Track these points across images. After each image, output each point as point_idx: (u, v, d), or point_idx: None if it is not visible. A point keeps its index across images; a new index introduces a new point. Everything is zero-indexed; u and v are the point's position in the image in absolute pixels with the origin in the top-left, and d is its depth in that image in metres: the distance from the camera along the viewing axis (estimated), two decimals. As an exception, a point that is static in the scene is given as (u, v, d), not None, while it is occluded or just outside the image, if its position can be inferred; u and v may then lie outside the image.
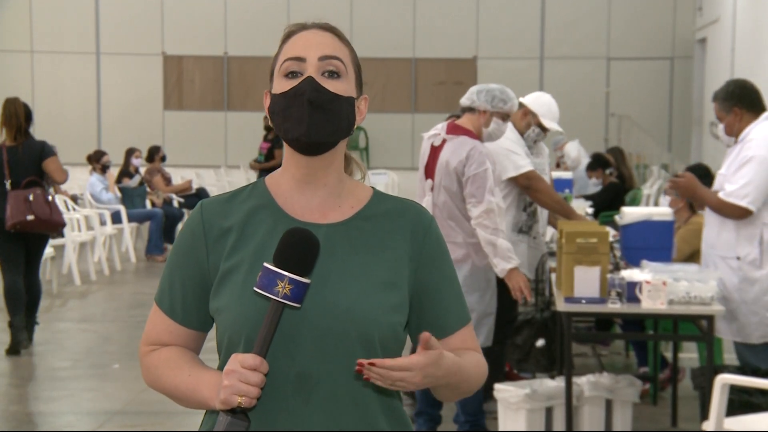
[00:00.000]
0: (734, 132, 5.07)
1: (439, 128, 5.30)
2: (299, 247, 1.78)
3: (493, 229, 5.05)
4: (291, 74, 1.89)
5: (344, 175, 1.97)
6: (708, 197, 5.01)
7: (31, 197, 7.28)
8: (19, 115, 7.55)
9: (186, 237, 1.95)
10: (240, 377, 1.74)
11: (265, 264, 1.77)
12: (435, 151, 5.23)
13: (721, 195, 4.90)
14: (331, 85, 1.88)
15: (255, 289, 1.77)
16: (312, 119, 1.85)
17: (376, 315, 1.85)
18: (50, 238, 8.03)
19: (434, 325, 1.94)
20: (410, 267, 1.92)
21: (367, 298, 1.85)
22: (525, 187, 5.61)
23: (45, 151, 7.53)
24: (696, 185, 5.06)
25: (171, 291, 1.95)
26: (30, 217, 7.26)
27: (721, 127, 5.15)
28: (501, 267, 5.11)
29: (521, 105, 5.85)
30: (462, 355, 1.92)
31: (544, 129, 5.88)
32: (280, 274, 1.75)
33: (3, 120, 7.50)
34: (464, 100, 5.28)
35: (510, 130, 5.66)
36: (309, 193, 1.93)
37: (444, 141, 5.19)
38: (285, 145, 1.92)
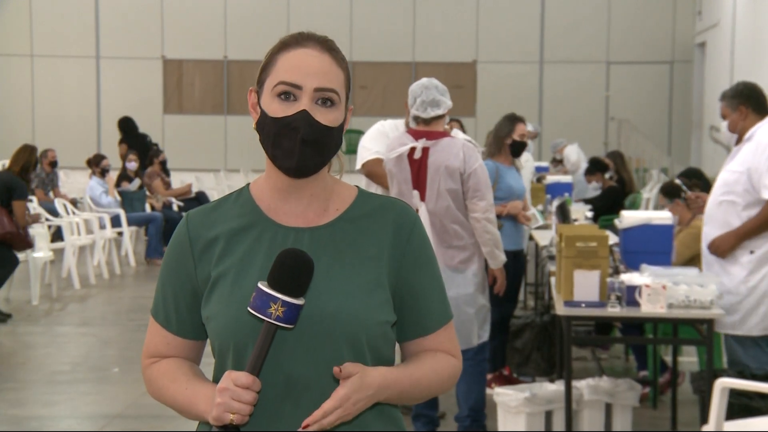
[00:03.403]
0: (737, 130, 5.12)
1: (406, 140, 5.18)
2: (293, 269, 1.78)
3: (494, 221, 5.19)
4: (284, 95, 1.87)
5: (328, 178, 1.98)
6: (749, 226, 4.96)
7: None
8: (29, 162, 9.18)
9: (174, 249, 1.98)
10: (232, 395, 1.76)
11: (259, 285, 1.78)
12: (418, 162, 5.15)
13: (766, 195, 4.89)
14: (324, 116, 1.87)
15: (249, 309, 1.78)
16: (303, 154, 1.86)
17: (363, 317, 1.86)
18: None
19: (414, 323, 1.96)
20: (394, 265, 1.92)
21: (353, 301, 1.86)
22: (366, 175, 5.84)
23: (17, 191, 8.64)
24: (729, 236, 4.99)
25: (164, 303, 1.98)
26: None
27: (724, 124, 5.19)
28: (501, 258, 5.26)
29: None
30: (420, 359, 1.95)
31: None
32: (274, 296, 1.76)
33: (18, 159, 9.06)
34: (432, 111, 5.13)
35: (380, 125, 5.92)
36: (293, 201, 1.94)
37: (425, 149, 5.14)
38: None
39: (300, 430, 1.78)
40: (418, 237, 1.97)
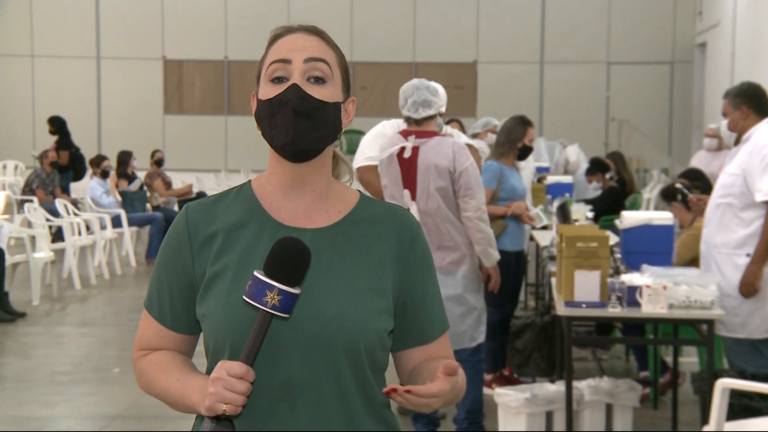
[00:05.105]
0: (737, 128, 5.14)
1: (397, 140, 5.19)
2: (290, 257, 1.76)
3: (487, 220, 5.17)
4: (277, 79, 1.87)
5: (332, 178, 1.96)
6: (759, 249, 4.93)
7: None
8: None
9: (171, 242, 1.95)
10: (225, 385, 1.73)
11: (255, 273, 1.75)
12: (408, 162, 5.15)
13: (759, 199, 4.90)
14: (317, 92, 1.86)
15: (244, 297, 1.75)
16: (297, 128, 1.84)
17: (363, 323, 1.84)
18: None
19: (417, 331, 1.95)
20: (396, 273, 1.91)
21: (354, 306, 1.84)
22: (358, 180, 5.75)
23: None
24: (749, 270, 4.95)
25: (159, 296, 1.96)
26: None
27: (724, 123, 5.21)
28: (495, 257, 5.25)
29: None
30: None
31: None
32: (270, 284, 1.74)
33: None
34: (424, 111, 5.13)
35: (382, 125, 5.88)
36: (296, 198, 1.91)
37: (415, 148, 5.14)
38: (271, 149, 1.90)
39: (387, 388, 1.74)
40: (420, 245, 1.95)
